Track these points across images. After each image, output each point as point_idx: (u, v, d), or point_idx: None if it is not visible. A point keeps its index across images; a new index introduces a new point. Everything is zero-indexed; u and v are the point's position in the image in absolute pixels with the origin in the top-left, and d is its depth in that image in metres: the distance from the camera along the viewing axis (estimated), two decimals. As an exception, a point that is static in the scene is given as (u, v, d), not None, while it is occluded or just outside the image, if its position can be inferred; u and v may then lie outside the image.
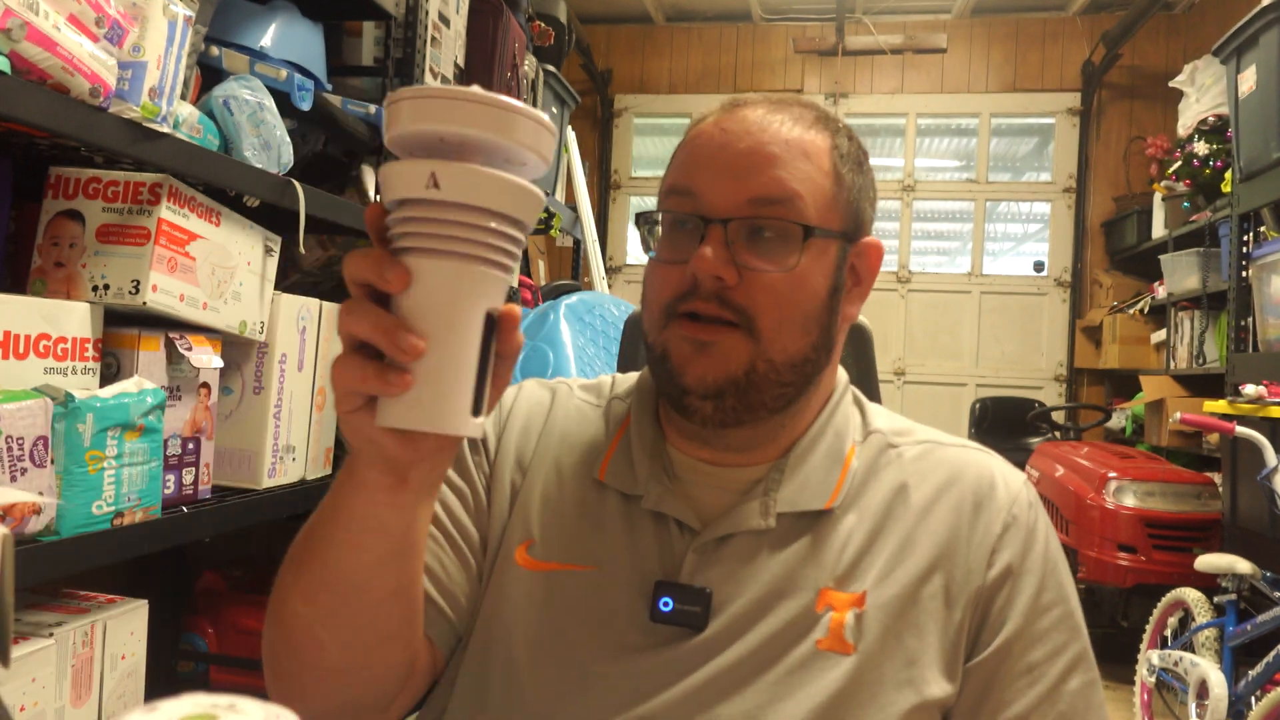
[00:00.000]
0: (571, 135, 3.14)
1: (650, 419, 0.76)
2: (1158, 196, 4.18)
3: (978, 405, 4.40)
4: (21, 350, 0.97)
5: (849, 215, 0.71)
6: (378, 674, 0.66)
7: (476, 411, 0.52)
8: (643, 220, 0.73)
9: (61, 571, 0.97)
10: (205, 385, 1.24)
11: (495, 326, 0.52)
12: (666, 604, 0.67)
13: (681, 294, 0.68)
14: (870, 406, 0.79)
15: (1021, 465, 3.75)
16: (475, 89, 0.48)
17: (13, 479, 0.90)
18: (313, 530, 0.62)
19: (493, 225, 0.50)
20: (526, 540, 0.73)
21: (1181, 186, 3.86)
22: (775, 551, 0.69)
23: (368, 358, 0.51)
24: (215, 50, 1.34)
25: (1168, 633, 2.68)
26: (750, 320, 0.67)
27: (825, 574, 0.68)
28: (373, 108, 1.65)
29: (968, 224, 5.19)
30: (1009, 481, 0.72)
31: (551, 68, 2.66)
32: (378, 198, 0.54)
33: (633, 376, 0.82)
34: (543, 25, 2.85)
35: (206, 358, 1.20)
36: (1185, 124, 3.83)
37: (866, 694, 0.64)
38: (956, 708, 0.67)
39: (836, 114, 0.75)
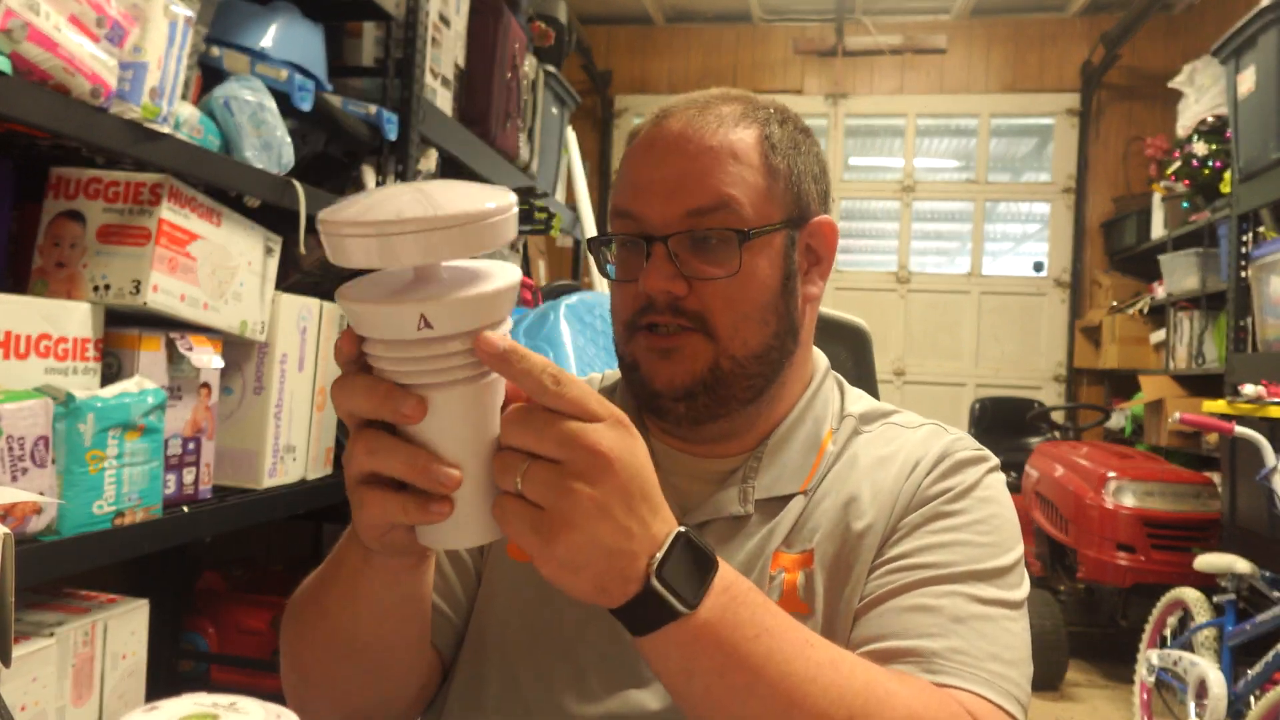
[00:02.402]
0: (571, 136, 3.15)
1: (633, 412, 0.77)
2: (1157, 197, 4.18)
3: (977, 405, 4.41)
4: (23, 350, 0.98)
5: (790, 202, 0.72)
6: (403, 697, 0.69)
7: None
8: (594, 245, 0.76)
9: (62, 571, 0.97)
10: (206, 385, 1.24)
11: None
12: None
13: (639, 309, 0.71)
14: (851, 391, 0.80)
15: (1021, 465, 3.77)
16: (425, 210, 0.44)
17: (14, 479, 0.90)
18: (326, 605, 0.63)
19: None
20: None
21: (1180, 187, 3.86)
22: (751, 534, 0.71)
23: (393, 489, 0.50)
24: (216, 51, 1.34)
25: (1167, 632, 2.68)
26: (706, 323, 0.69)
27: (777, 539, 0.70)
28: (373, 108, 1.65)
29: (967, 224, 5.20)
30: (956, 441, 0.73)
31: (552, 68, 2.66)
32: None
33: (618, 371, 0.83)
34: (543, 26, 2.86)
35: (207, 358, 1.20)
36: (1184, 124, 3.84)
37: None
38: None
39: (768, 99, 0.75)
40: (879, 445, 0.74)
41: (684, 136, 0.70)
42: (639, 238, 0.70)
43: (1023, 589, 0.68)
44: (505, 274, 0.48)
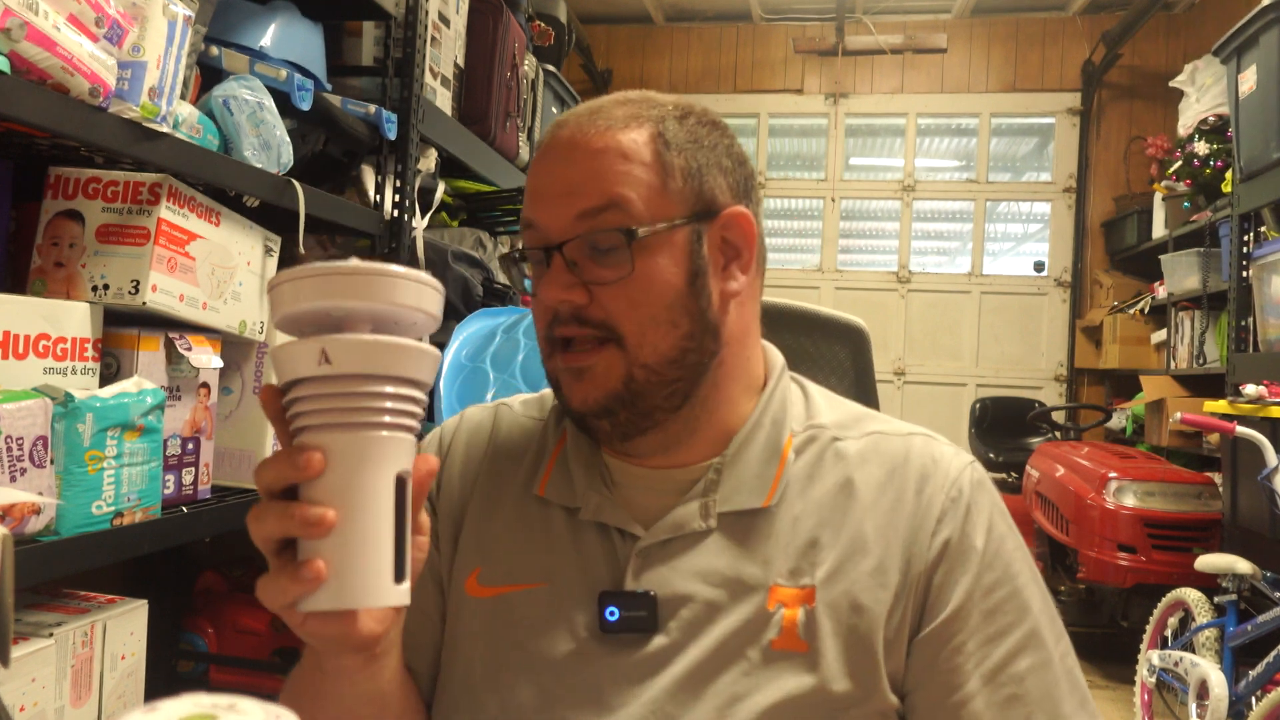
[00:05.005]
0: (571, 135, 3.14)
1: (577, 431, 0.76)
2: (1158, 196, 4.17)
3: (978, 405, 4.40)
4: (21, 350, 0.97)
5: (691, 197, 0.69)
6: None
7: (400, 578, 0.52)
8: (506, 262, 0.75)
9: (61, 571, 0.97)
10: (205, 385, 1.23)
11: (406, 489, 0.52)
12: (613, 613, 0.67)
13: (548, 322, 0.69)
14: (815, 395, 0.77)
15: (1021, 465, 3.76)
16: (353, 262, 0.49)
17: (12, 479, 0.90)
18: (299, 701, 0.65)
19: (388, 390, 0.50)
20: (475, 569, 0.73)
21: (1182, 186, 3.86)
22: (719, 551, 0.69)
23: (285, 563, 0.52)
24: (215, 50, 1.34)
25: (1168, 633, 2.68)
26: (612, 331, 0.67)
27: (774, 571, 0.68)
28: (372, 108, 1.65)
29: (968, 224, 5.19)
30: (951, 463, 0.71)
31: (551, 68, 2.66)
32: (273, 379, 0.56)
33: None
34: (543, 25, 2.86)
35: (206, 358, 1.20)
36: (1185, 124, 3.83)
37: (823, 694, 0.64)
38: (905, 685, 0.67)
39: (672, 98, 0.73)
40: (873, 466, 0.71)
41: (572, 143, 0.69)
42: (539, 249, 0.69)
43: (1039, 578, 0.70)
44: (420, 345, 0.52)
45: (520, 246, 0.73)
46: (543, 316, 0.70)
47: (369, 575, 0.50)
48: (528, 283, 0.74)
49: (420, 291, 0.51)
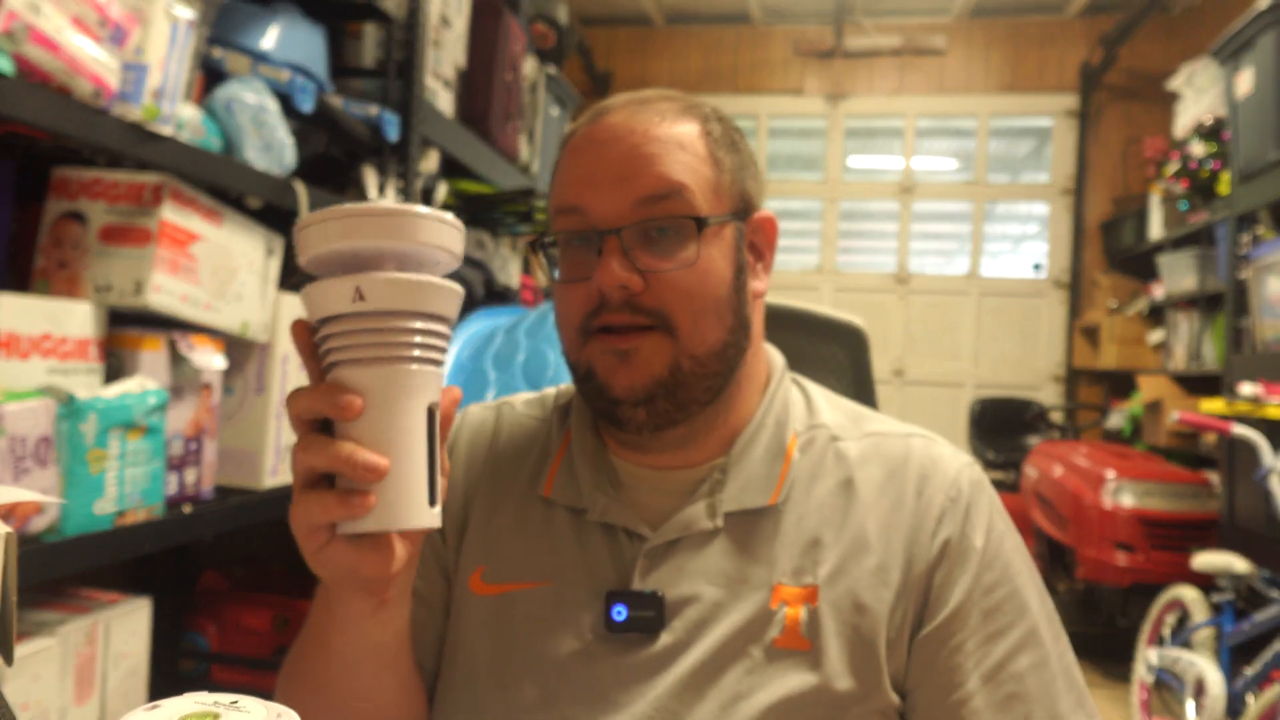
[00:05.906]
0: (571, 136, 3.15)
1: (590, 430, 0.76)
2: (1155, 198, 4.18)
3: (976, 406, 4.41)
4: (24, 350, 0.98)
5: (735, 195, 0.71)
6: None
7: (433, 502, 0.54)
8: (538, 246, 0.72)
9: (64, 571, 0.97)
10: (207, 385, 1.24)
11: (436, 418, 0.55)
12: (620, 612, 0.67)
13: (592, 310, 0.68)
14: (816, 395, 0.78)
15: (1020, 465, 3.76)
16: (379, 204, 0.51)
17: (16, 478, 0.91)
18: (304, 660, 0.65)
19: (419, 325, 0.53)
20: (479, 567, 0.73)
21: (1178, 188, 3.86)
22: (725, 551, 0.69)
23: (324, 489, 0.53)
24: (218, 52, 1.35)
25: (1165, 631, 2.69)
26: (665, 320, 0.67)
27: (777, 570, 0.68)
28: (374, 109, 1.66)
29: (966, 225, 5.20)
30: (950, 464, 0.72)
31: (552, 70, 2.67)
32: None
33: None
34: (543, 27, 2.86)
35: (209, 358, 1.21)
36: (1182, 125, 3.84)
37: (825, 692, 0.65)
38: (906, 684, 0.67)
39: (702, 100, 0.74)
40: (873, 467, 0.72)
41: (628, 128, 0.68)
42: (590, 232, 0.68)
43: (1038, 577, 0.70)
44: (447, 283, 0.55)
45: (549, 232, 0.71)
46: (584, 304, 0.68)
47: (408, 499, 0.53)
48: (556, 272, 0.72)
49: (442, 230, 0.53)
